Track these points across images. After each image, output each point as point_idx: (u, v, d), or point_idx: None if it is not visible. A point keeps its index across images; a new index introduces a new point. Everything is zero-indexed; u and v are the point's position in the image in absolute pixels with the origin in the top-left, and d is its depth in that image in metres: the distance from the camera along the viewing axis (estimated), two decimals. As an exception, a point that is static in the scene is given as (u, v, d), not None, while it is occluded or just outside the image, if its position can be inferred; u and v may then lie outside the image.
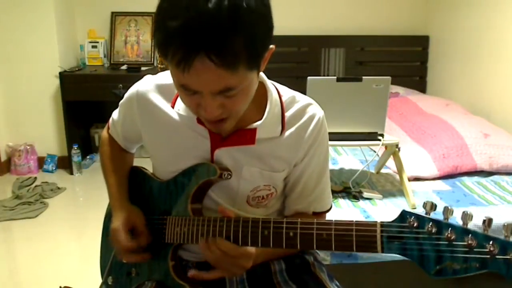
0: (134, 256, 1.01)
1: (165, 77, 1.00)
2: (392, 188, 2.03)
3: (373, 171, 2.20)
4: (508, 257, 0.62)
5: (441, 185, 2.08)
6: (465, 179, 2.14)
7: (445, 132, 2.39)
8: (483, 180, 2.13)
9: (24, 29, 3.32)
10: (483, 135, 2.33)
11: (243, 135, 0.93)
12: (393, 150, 1.91)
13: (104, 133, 1.20)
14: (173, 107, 0.97)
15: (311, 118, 0.97)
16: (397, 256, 1.61)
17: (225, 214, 0.89)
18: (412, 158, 2.20)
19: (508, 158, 2.20)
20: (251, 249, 0.89)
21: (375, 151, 1.93)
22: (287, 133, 0.95)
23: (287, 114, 0.96)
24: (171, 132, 0.98)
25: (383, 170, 2.22)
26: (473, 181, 2.11)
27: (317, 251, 1.17)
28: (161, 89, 0.99)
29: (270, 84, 0.97)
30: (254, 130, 0.93)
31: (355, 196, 1.90)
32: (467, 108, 2.93)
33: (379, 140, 1.83)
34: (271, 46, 0.82)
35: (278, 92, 0.98)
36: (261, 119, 0.92)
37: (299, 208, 1.05)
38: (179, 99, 0.96)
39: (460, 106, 2.95)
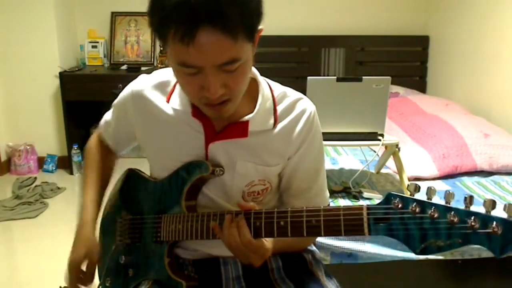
0: None
1: (160, 75, 1.02)
2: (392, 188, 2.03)
3: (373, 171, 2.19)
4: (489, 230, 0.64)
5: (441, 185, 2.08)
6: (465, 179, 2.14)
7: (445, 132, 2.39)
8: (483, 180, 2.13)
9: (24, 29, 3.32)
10: (483, 135, 2.33)
11: (236, 128, 0.94)
12: (393, 150, 1.91)
13: (91, 140, 1.21)
14: (168, 102, 0.98)
15: (302, 111, 0.98)
16: (397, 256, 1.62)
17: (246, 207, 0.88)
18: (412, 158, 2.20)
19: (508, 158, 2.20)
20: (267, 245, 0.89)
21: (375, 151, 1.93)
22: (279, 126, 0.96)
23: (279, 108, 0.97)
24: (166, 128, 0.99)
25: (383, 170, 2.22)
26: (473, 181, 2.11)
27: (316, 249, 1.17)
28: (156, 86, 1.01)
29: (262, 79, 0.99)
30: (247, 122, 0.94)
31: (355, 196, 1.90)
32: (467, 108, 2.92)
33: (379, 140, 1.83)
34: (261, 27, 0.84)
35: (270, 87, 1.00)
36: (253, 112, 0.94)
37: (300, 203, 1.04)
38: (174, 94, 0.98)
39: (460, 106, 2.95)
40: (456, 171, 2.16)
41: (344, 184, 1.99)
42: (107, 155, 1.19)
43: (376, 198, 1.88)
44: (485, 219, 0.65)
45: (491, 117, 2.77)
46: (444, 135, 2.35)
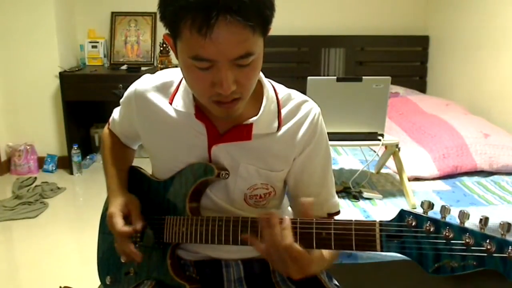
0: (127, 244, 0.98)
1: (163, 75, 1.01)
2: (392, 188, 2.03)
3: (373, 171, 2.19)
4: (505, 254, 0.63)
5: (441, 185, 2.08)
6: (465, 179, 2.14)
7: (445, 132, 2.39)
8: (483, 180, 2.13)
9: (24, 29, 3.32)
10: (483, 135, 2.33)
11: (240, 131, 0.93)
12: (393, 150, 1.91)
13: (105, 129, 1.21)
14: (171, 104, 0.97)
15: (307, 114, 0.97)
16: (397, 256, 1.61)
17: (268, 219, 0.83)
18: (412, 158, 2.20)
19: (508, 158, 2.20)
20: (310, 256, 0.82)
21: (375, 151, 1.93)
22: (283, 129, 0.95)
23: (283, 111, 0.96)
24: (169, 129, 0.98)
25: (383, 170, 2.22)
26: (473, 181, 2.11)
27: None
28: (159, 87, 1.00)
29: (266, 81, 0.98)
30: (251, 125, 0.93)
31: (355, 196, 1.90)
32: (467, 108, 2.92)
33: (379, 140, 1.83)
34: (270, 26, 0.83)
35: (274, 89, 0.98)
36: (257, 115, 0.93)
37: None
38: (177, 96, 0.97)
39: (460, 106, 2.95)
40: (456, 171, 2.16)
41: (344, 184, 1.99)
42: (121, 143, 1.19)
43: (376, 198, 1.89)
44: (501, 243, 0.64)
45: (491, 117, 2.77)
46: (444, 135, 2.35)
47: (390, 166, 2.20)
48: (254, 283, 1.04)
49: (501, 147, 2.25)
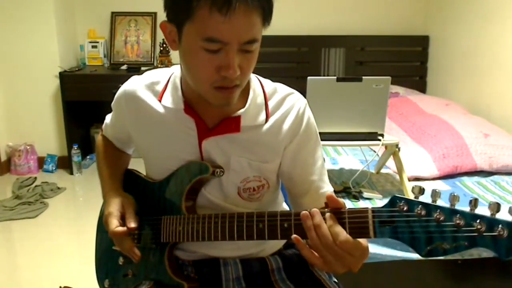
0: (125, 242, 0.98)
1: (151, 75, 1.03)
2: (392, 188, 2.03)
3: (373, 171, 2.20)
4: (495, 233, 0.64)
5: (441, 185, 2.08)
6: (465, 179, 2.14)
7: (445, 132, 2.39)
8: (483, 180, 2.13)
9: (24, 29, 3.32)
10: (483, 135, 2.34)
11: (228, 124, 0.95)
12: (393, 150, 1.91)
13: (99, 136, 1.23)
14: (160, 101, 0.98)
15: (292, 105, 0.98)
16: (397, 256, 1.62)
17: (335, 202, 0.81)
18: (412, 158, 2.20)
19: (508, 158, 2.20)
20: (364, 244, 0.81)
21: (375, 151, 1.93)
22: (270, 121, 0.97)
23: (270, 103, 0.98)
24: (159, 126, 0.99)
25: (383, 170, 2.22)
26: (473, 181, 2.12)
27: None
28: (148, 86, 1.01)
29: (252, 76, 0.99)
30: (239, 117, 0.94)
31: (355, 196, 1.90)
32: (467, 108, 2.93)
33: (379, 140, 1.83)
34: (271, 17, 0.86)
35: (261, 83, 1.00)
36: (244, 107, 0.94)
37: (307, 201, 1.01)
38: (166, 93, 0.98)
39: (460, 106, 2.95)
40: (456, 171, 2.17)
41: (344, 184, 2.00)
42: (115, 148, 1.20)
43: (376, 198, 1.89)
44: (491, 222, 0.65)
45: (491, 117, 2.77)
46: (444, 135, 2.35)
47: (390, 166, 2.21)
48: (253, 282, 1.04)
49: (501, 147, 2.25)
